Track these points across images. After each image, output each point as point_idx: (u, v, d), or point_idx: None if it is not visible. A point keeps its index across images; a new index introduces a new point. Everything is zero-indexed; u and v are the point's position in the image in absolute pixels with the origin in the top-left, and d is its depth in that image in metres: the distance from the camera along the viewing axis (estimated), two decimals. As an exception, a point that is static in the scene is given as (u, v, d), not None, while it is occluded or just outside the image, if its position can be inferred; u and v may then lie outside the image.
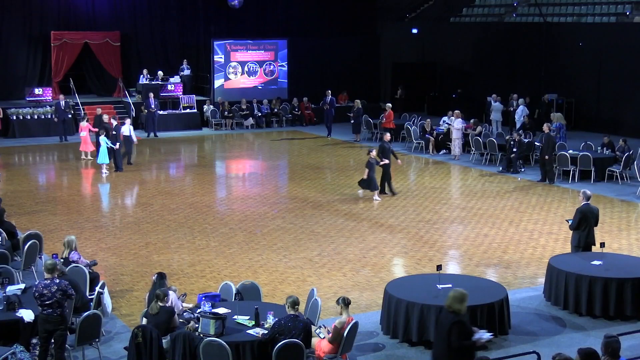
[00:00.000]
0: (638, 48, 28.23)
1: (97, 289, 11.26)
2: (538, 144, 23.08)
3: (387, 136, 21.00)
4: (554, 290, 12.44)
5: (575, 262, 12.58)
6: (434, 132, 26.85)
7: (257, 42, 33.90)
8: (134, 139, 24.28)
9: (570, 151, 22.27)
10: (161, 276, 10.88)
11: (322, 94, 31.07)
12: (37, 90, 30.56)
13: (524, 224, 17.46)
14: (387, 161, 19.95)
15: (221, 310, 10.24)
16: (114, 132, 23.23)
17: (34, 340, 10.20)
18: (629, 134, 26.31)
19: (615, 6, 30.96)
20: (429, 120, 27.80)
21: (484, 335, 8.90)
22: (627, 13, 30.30)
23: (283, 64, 34.25)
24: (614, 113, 29.39)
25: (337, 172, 23.60)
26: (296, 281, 13.76)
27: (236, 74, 33.56)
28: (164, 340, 9.76)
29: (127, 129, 23.80)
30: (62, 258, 12.23)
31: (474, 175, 23.01)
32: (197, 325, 9.87)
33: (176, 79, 32.43)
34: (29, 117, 29.57)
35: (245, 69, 33.69)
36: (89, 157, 24.83)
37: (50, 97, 30.54)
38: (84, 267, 12.03)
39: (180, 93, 31.95)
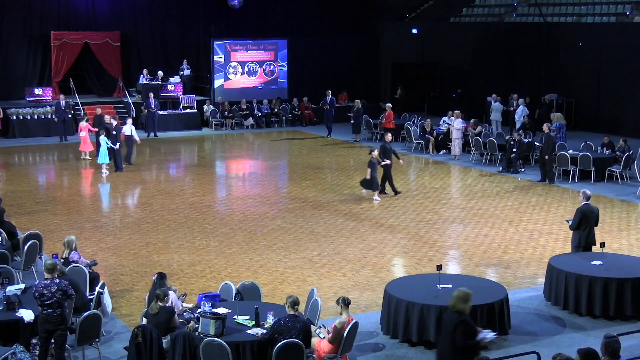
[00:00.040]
0: (638, 48, 28.23)
1: (97, 289, 11.26)
2: (538, 144, 23.08)
3: (389, 136, 20.99)
4: (554, 290, 12.44)
5: (575, 262, 12.58)
6: (434, 132, 26.86)
7: (257, 42, 33.90)
8: (137, 138, 24.34)
9: (570, 151, 22.27)
10: (161, 276, 10.88)
11: (322, 94, 31.08)
12: (37, 90, 30.57)
13: (524, 224, 17.46)
14: (388, 162, 19.95)
15: (221, 310, 10.24)
16: (114, 132, 23.23)
17: (34, 340, 10.19)
18: (629, 134, 26.30)
19: (615, 6, 30.95)
20: (429, 120, 27.81)
21: (488, 334, 8.91)
22: (627, 13, 30.29)
23: (283, 64, 34.25)
24: (614, 113, 29.39)
25: (337, 172, 23.60)
26: (296, 281, 13.76)
27: (236, 74, 33.57)
28: (164, 340, 9.76)
29: (128, 128, 23.82)
30: (62, 258, 12.23)
31: (474, 175, 23.02)
32: (197, 325, 9.86)
33: (176, 79, 32.44)
34: (29, 117, 29.57)
35: (245, 69, 33.69)
36: (88, 157, 24.83)
37: (50, 97, 30.55)
38: (84, 267, 12.03)
39: (180, 93, 31.96)
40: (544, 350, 9.93)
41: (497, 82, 32.41)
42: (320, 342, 10.00)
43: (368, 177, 19.45)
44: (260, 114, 32.51)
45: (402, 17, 39.70)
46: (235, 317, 10.26)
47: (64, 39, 31.58)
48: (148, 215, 18.28)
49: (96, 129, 24.59)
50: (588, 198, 13.27)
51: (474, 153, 25.14)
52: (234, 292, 11.18)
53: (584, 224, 13.10)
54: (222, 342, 9.35)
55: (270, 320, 9.87)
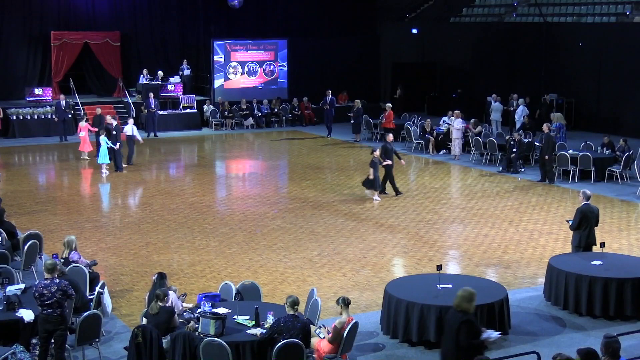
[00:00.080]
0: (638, 48, 28.23)
1: (97, 289, 11.26)
2: (538, 144, 23.08)
3: (390, 137, 20.97)
4: (554, 290, 12.44)
5: (575, 262, 12.58)
6: (434, 132, 26.86)
7: (257, 42, 33.90)
8: (139, 138, 24.39)
9: (570, 151, 22.27)
10: (161, 276, 10.88)
11: (322, 94, 31.08)
12: (37, 90, 30.57)
13: (524, 224, 17.46)
14: (390, 162, 19.94)
15: (221, 310, 10.24)
16: (114, 132, 23.23)
17: (34, 340, 10.20)
18: (629, 134, 26.30)
19: (615, 6, 30.96)
20: (429, 120, 27.81)
21: (492, 334, 8.93)
22: (627, 13, 30.30)
23: (283, 64, 34.25)
24: (614, 113, 29.39)
25: (337, 172, 23.60)
26: (296, 281, 13.76)
27: (236, 74, 33.57)
28: (164, 340, 9.76)
29: (130, 128, 23.82)
30: (62, 258, 12.23)
31: (474, 175, 23.02)
32: (197, 325, 9.87)
33: (176, 79, 32.44)
34: (29, 117, 29.57)
35: (245, 69, 33.69)
36: (86, 157, 24.82)
37: (50, 97, 30.55)
38: (84, 267, 12.03)
39: (180, 93, 31.95)
40: (544, 350, 9.93)
41: (497, 82, 32.41)
42: (320, 342, 10.01)
43: (371, 177, 19.41)
44: (260, 114, 32.51)
45: (402, 17, 39.71)
46: (235, 317, 10.26)
47: (64, 39, 31.59)
48: (148, 215, 18.28)
49: (96, 129, 24.62)
50: (588, 198, 13.27)
51: (474, 153, 25.14)
52: (234, 292, 11.18)
53: (584, 224, 13.10)
54: (222, 342, 9.35)
55: (270, 320, 9.87)
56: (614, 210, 18.69)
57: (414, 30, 37.02)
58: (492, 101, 29.46)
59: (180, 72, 33.02)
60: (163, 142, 28.68)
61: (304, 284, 13.53)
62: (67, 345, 10.07)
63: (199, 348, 9.43)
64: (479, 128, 26.38)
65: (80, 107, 30.14)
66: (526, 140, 23.97)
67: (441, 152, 26.24)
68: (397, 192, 20.05)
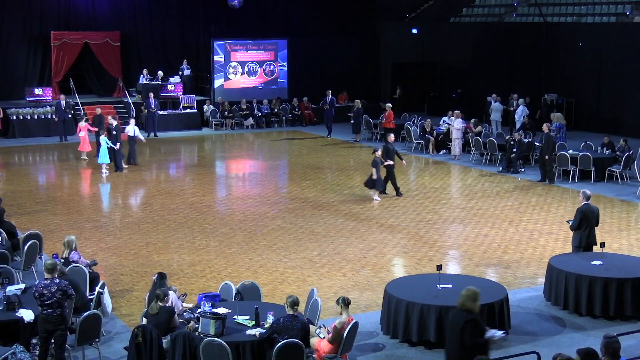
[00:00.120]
0: (638, 48, 28.23)
1: (97, 289, 11.26)
2: (538, 144, 23.08)
3: (391, 137, 20.94)
4: (554, 290, 12.44)
5: (575, 262, 12.58)
6: (434, 132, 26.86)
7: (257, 42, 33.90)
8: (142, 138, 24.43)
9: (570, 151, 22.27)
10: (161, 276, 10.88)
11: (322, 94, 31.08)
12: (37, 90, 30.57)
13: (524, 224, 17.46)
14: (391, 162, 19.93)
15: (221, 310, 10.24)
16: (114, 132, 23.23)
17: (34, 340, 10.20)
18: (629, 134, 26.30)
19: (615, 6, 30.96)
20: (429, 120, 27.81)
21: (496, 333, 8.94)
22: (627, 13, 30.30)
23: (283, 64, 34.26)
24: (614, 113, 29.39)
25: (337, 172, 23.60)
26: (296, 281, 13.77)
27: (236, 74, 33.57)
28: (164, 340, 9.76)
29: (131, 129, 23.82)
30: (62, 258, 12.23)
31: (474, 175, 23.02)
32: (197, 325, 9.87)
33: (176, 79, 32.44)
34: (29, 117, 29.58)
35: (245, 69, 33.69)
36: (85, 157, 24.82)
37: (50, 97, 30.56)
38: (84, 267, 12.03)
39: (180, 93, 31.96)
40: (544, 350, 9.93)
41: (497, 82, 32.41)
42: (320, 342, 10.00)
43: (374, 176, 19.39)
44: (260, 114, 32.52)
45: (402, 17, 39.71)
46: (235, 317, 10.26)
47: (64, 39, 31.59)
48: (148, 215, 18.28)
49: (96, 129, 24.63)
50: (588, 198, 13.27)
51: (474, 153, 25.14)
52: (234, 292, 11.18)
53: (585, 224, 13.10)
54: (222, 342, 9.35)
55: (270, 320, 9.87)
56: (614, 210, 18.68)
57: (414, 30, 37.02)
58: (492, 101, 29.46)
59: (180, 72, 33.03)
60: (163, 142, 28.68)
61: (304, 284, 13.53)
62: (67, 345, 10.07)
63: (199, 348, 9.43)
64: (478, 128, 26.40)
65: (80, 107, 30.14)
66: (526, 140, 23.97)
67: (441, 152, 26.24)
68: (398, 193, 20.04)
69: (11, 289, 11.05)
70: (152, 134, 29.38)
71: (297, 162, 25.49)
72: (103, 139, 22.66)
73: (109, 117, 24.37)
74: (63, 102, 28.31)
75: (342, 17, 37.15)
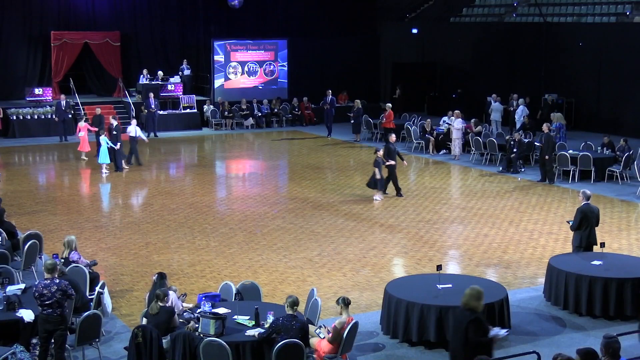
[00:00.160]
0: (638, 48, 28.22)
1: (97, 289, 11.26)
2: (538, 144, 23.08)
3: (393, 137, 20.92)
4: (554, 290, 12.44)
5: (575, 262, 12.58)
6: (434, 132, 26.85)
7: (257, 42, 33.90)
8: (144, 138, 24.52)
9: (570, 151, 22.27)
10: (161, 276, 10.88)
11: (322, 94, 31.08)
12: (37, 90, 30.57)
13: (524, 224, 17.46)
14: (393, 162, 19.92)
15: (221, 310, 10.24)
16: (114, 132, 23.23)
17: (34, 340, 10.20)
18: (629, 134, 26.29)
19: (615, 6, 30.96)
20: (429, 120, 27.81)
21: (500, 331, 8.95)
22: (627, 13, 30.30)
23: (283, 64, 34.26)
24: (614, 113, 29.39)
25: (337, 172, 23.60)
26: (296, 281, 13.77)
27: (236, 74, 33.57)
28: (164, 340, 9.76)
29: (133, 129, 23.80)
30: (62, 258, 12.23)
31: (474, 175, 23.02)
32: (197, 325, 9.87)
33: (176, 79, 32.43)
34: (29, 117, 29.57)
35: (245, 69, 33.69)
36: (84, 157, 24.82)
37: (50, 97, 30.56)
38: (84, 267, 12.03)
39: (180, 93, 31.95)
40: (544, 350, 9.93)
41: (497, 82, 32.41)
42: (320, 342, 10.01)
43: (378, 176, 19.37)
44: (260, 114, 32.52)
45: (402, 17, 39.71)
46: (235, 317, 10.26)
47: (64, 39, 31.59)
48: (148, 215, 18.28)
49: (95, 129, 24.63)
50: (588, 198, 13.27)
51: (474, 153, 25.14)
52: (234, 292, 11.18)
53: (585, 224, 13.10)
54: (222, 342, 9.35)
55: (270, 320, 9.87)
56: (614, 210, 18.69)
57: (414, 30, 37.01)
58: (492, 101, 29.46)
59: (180, 72, 33.02)
60: (163, 142, 28.68)
61: (304, 284, 13.53)
62: (67, 345, 10.07)
63: (199, 348, 9.43)
64: (478, 128, 26.40)
65: (80, 107, 30.13)
66: (526, 140, 23.97)
67: (441, 152, 26.23)
68: (399, 193, 20.03)
69: (11, 289, 11.05)
70: (152, 134, 29.37)
71: (297, 162, 25.49)
72: (103, 139, 22.66)
73: (110, 117, 24.37)
74: (63, 102, 28.32)
75: (342, 17, 37.15)
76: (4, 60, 31.59)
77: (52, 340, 9.93)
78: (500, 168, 23.32)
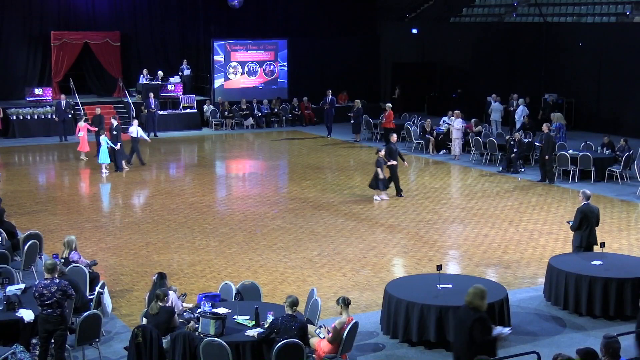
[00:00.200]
0: (638, 48, 28.23)
1: (97, 289, 11.26)
2: (538, 144, 23.08)
3: (394, 137, 20.92)
4: (554, 290, 12.44)
5: (575, 262, 12.58)
6: (434, 132, 26.85)
7: (257, 42, 33.91)
8: (146, 138, 24.64)
9: (570, 151, 22.27)
10: (161, 276, 10.88)
11: (322, 94, 31.08)
12: (37, 90, 30.57)
13: (524, 224, 17.46)
14: (394, 162, 19.92)
15: (221, 310, 10.24)
16: (114, 132, 23.23)
17: (34, 340, 10.20)
18: (629, 134, 26.29)
19: (615, 6, 30.96)
20: (429, 120, 27.81)
21: (504, 330, 8.96)
22: (627, 13, 30.30)
23: (283, 64, 34.26)
24: (614, 113, 29.39)
25: (337, 172, 23.60)
26: (296, 281, 13.76)
27: (236, 74, 33.57)
28: (164, 340, 9.76)
29: (134, 129, 23.80)
30: (62, 258, 12.23)
31: (474, 175, 23.02)
32: (197, 325, 9.87)
33: (176, 79, 32.44)
34: (29, 117, 29.57)
35: (245, 69, 33.70)
36: (83, 157, 24.81)
37: (50, 97, 30.56)
38: (84, 267, 12.03)
39: (180, 93, 31.95)
40: (544, 350, 9.92)
41: (497, 82, 32.41)
42: (320, 342, 10.00)
43: (381, 176, 19.36)
44: (260, 114, 32.52)
45: (402, 17, 39.71)
46: (235, 317, 10.26)
47: (64, 39, 31.59)
48: (148, 215, 18.28)
49: (95, 129, 24.63)
50: (588, 198, 13.27)
51: (474, 153, 25.14)
52: (234, 292, 11.18)
53: (585, 224, 13.10)
54: (222, 342, 9.35)
55: (269, 320, 9.87)
56: (614, 210, 18.68)
57: (414, 30, 37.01)
58: (492, 101, 29.46)
59: (180, 72, 33.02)
60: (163, 142, 28.68)
61: (304, 284, 13.53)
62: (67, 345, 10.07)
63: (199, 348, 9.43)
64: (478, 128, 26.40)
65: (80, 107, 30.13)
66: (526, 140, 23.96)
67: (441, 152, 26.23)
68: (399, 194, 20.02)
69: (11, 289, 11.05)
70: (152, 134, 29.35)
71: (297, 162, 25.49)
72: (103, 139, 22.66)
73: (110, 117, 24.38)
74: (63, 102, 28.32)
75: (342, 17, 37.15)
76: (4, 60, 31.60)
77: (52, 340, 9.93)
78: (500, 168, 23.32)
